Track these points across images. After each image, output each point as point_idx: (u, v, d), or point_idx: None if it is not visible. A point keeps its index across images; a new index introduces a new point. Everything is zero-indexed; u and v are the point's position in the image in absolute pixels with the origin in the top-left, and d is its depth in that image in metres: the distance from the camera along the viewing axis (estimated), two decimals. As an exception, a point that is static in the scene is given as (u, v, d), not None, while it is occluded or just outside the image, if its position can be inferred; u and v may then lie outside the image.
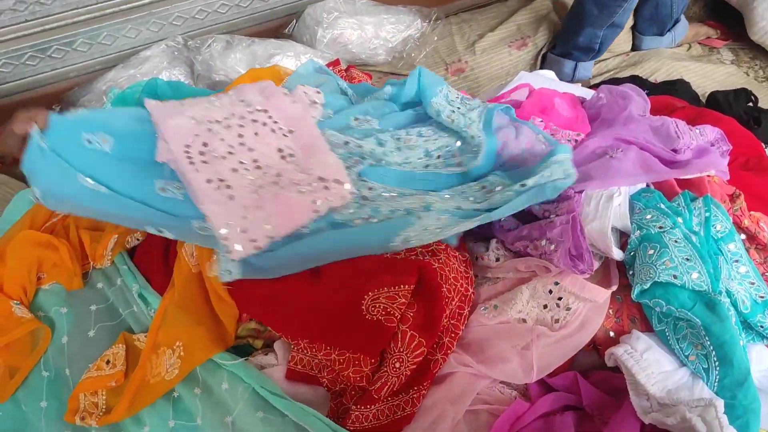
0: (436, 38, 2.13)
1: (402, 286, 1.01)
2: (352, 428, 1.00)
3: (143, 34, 1.91)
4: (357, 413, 1.00)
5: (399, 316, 1.00)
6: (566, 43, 2.17)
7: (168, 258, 1.20)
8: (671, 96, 1.77)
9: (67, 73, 1.85)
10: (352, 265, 1.06)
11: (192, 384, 1.09)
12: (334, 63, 1.61)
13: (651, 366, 1.00)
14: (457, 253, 1.12)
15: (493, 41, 2.21)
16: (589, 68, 2.25)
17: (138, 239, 1.27)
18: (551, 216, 1.16)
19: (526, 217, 1.20)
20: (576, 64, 2.19)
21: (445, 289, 1.03)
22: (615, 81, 2.04)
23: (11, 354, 1.18)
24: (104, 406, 1.12)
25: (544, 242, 1.12)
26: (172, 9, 1.91)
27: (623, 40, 2.36)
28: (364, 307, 1.01)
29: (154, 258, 1.21)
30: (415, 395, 1.02)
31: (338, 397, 1.06)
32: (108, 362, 1.13)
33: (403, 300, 1.00)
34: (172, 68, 1.86)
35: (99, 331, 1.18)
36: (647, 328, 1.07)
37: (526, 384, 1.08)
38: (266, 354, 1.14)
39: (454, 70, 2.14)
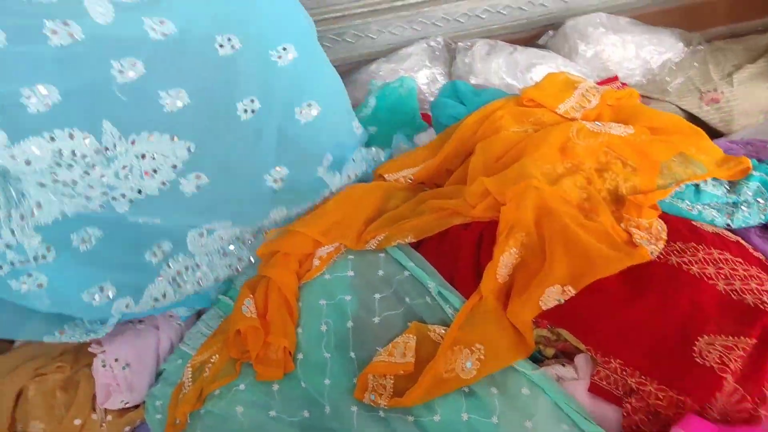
0: (696, 64, 2.04)
1: (742, 338, 0.97)
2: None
3: (407, 31, 1.97)
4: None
5: (733, 368, 0.95)
6: None
7: (479, 261, 1.21)
8: None
9: (334, 62, 1.93)
10: (687, 295, 1.03)
11: (488, 382, 1.10)
12: (613, 79, 1.58)
13: None
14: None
15: (751, 74, 2.08)
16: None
17: (412, 239, 1.29)
18: None
19: None
20: None
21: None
22: None
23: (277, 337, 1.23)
24: (392, 389, 1.14)
25: None
26: (438, 10, 1.96)
27: None
28: (696, 349, 0.98)
29: (462, 258, 1.22)
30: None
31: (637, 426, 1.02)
32: (398, 350, 1.15)
33: (742, 353, 0.96)
34: (432, 67, 1.91)
35: (384, 318, 1.22)
36: None
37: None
38: (564, 365, 1.13)
39: (708, 99, 2.03)
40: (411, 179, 1.48)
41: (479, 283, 1.16)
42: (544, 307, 1.10)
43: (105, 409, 1.27)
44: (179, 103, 1.21)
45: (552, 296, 1.10)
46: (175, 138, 1.23)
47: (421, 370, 1.11)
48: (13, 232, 1.14)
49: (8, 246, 1.14)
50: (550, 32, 2.06)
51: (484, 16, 2.01)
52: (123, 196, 1.22)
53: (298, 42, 1.35)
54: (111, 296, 1.28)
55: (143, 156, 1.20)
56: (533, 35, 2.08)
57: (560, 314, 1.11)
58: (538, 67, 1.85)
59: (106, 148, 1.16)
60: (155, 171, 1.22)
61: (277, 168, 1.39)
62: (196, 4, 1.22)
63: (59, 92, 1.09)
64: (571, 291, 1.09)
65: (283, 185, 1.41)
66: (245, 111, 1.30)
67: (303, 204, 1.46)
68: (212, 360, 1.27)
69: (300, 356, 1.22)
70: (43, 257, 1.19)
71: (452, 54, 1.97)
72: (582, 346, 1.11)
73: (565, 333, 1.14)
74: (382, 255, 1.29)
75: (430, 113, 1.85)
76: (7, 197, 1.13)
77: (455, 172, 1.40)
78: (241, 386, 1.21)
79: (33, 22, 1.08)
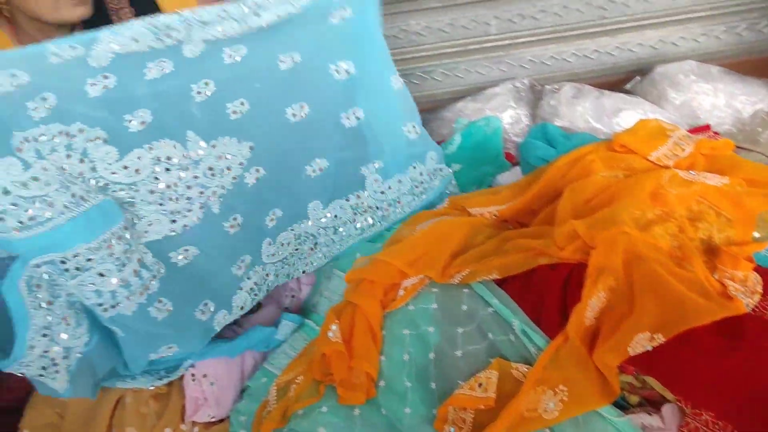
0: (790, 116, 2.00)
1: None
2: None
3: (493, 72, 2.02)
4: None
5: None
6: None
7: (566, 302, 1.22)
8: None
9: (420, 98, 1.99)
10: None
11: (572, 426, 1.09)
12: (705, 128, 1.57)
13: None
14: None
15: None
16: None
17: (496, 276, 1.31)
18: None
19: None
20: None
21: None
22: None
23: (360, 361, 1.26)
24: (471, 423, 1.15)
25: None
26: (525, 52, 2.00)
27: None
28: (796, 404, 0.95)
29: (549, 298, 1.23)
30: None
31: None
32: (480, 385, 1.17)
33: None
34: (517, 107, 1.94)
35: (467, 352, 1.24)
36: None
37: None
38: (650, 414, 1.11)
39: (801, 151, 1.99)
40: (496, 215, 1.50)
41: (564, 324, 1.17)
42: (631, 353, 1.09)
43: (193, 421, 1.33)
44: (242, 111, 1.37)
45: (640, 343, 1.09)
46: (240, 140, 1.39)
47: (502, 406, 1.12)
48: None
49: (142, 264, 1.27)
50: (638, 78, 2.06)
51: (571, 60, 2.03)
52: (214, 193, 1.36)
53: (359, 61, 1.47)
54: (213, 310, 1.41)
55: (220, 157, 1.36)
56: (619, 80, 2.09)
57: (648, 361, 1.10)
58: (624, 112, 1.85)
59: (192, 153, 1.33)
60: (228, 168, 1.37)
61: (317, 160, 1.51)
62: (272, 31, 1.35)
63: (151, 112, 1.26)
64: (661, 339, 1.08)
65: (321, 174, 1.53)
66: (294, 115, 1.44)
67: (341, 196, 1.58)
68: (297, 380, 1.32)
69: (381, 383, 1.25)
70: (160, 272, 1.31)
71: (537, 95, 2.01)
72: (669, 395, 1.10)
73: (651, 381, 1.13)
74: (466, 290, 1.31)
75: (512, 153, 1.88)
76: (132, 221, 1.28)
77: (541, 213, 1.41)
78: (324, 408, 1.25)
79: (138, 68, 1.25)
